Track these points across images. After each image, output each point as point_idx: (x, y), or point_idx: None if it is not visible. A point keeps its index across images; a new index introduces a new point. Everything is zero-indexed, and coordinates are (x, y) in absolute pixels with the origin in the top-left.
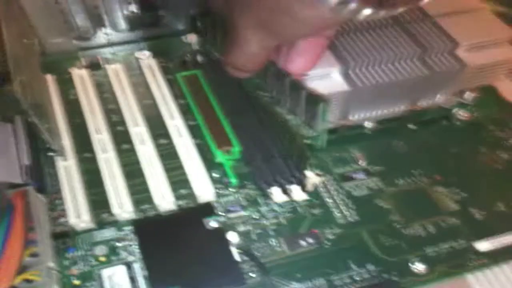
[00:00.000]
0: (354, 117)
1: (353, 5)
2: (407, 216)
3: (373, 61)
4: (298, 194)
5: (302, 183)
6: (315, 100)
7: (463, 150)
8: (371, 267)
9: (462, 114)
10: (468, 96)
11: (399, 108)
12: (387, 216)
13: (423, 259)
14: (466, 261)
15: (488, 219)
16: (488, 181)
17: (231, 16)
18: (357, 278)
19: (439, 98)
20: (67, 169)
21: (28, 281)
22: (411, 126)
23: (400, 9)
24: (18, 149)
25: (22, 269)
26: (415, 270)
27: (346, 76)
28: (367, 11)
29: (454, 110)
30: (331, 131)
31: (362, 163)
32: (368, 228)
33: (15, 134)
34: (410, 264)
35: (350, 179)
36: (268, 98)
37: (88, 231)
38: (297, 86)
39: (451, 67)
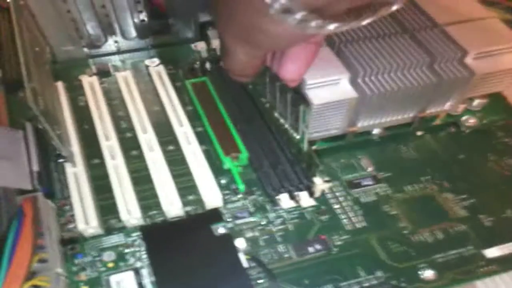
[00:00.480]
0: (363, 124)
1: (316, 22)
2: (416, 222)
3: (382, 69)
4: (306, 200)
5: (310, 190)
6: (297, 103)
7: (471, 157)
8: (379, 273)
9: (470, 121)
10: (477, 103)
11: (407, 115)
12: (395, 222)
13: (432, 266)
14: (475, 267)
15: (497, 225)
16: (497, 187)
17: (218, 28)
18: (366, 285)
19: (448, 106)
20: (76, 175)
21: (36, 287)
22: (419, 133)
23: (366, 21)
24: (29, 155)
25: (30, 275)
26: (424, 277)
27: (355, 84)
28: (331, 27)
29: (463, 117)
30: (339, 138)
31: (370, 169)
32: (376, 234)
33: (26, 140)
34: (418, 271)
35: (358, 185)
36: (268, 103)
37: (97, 237)
38: (285, 90)
39: (459, 75)
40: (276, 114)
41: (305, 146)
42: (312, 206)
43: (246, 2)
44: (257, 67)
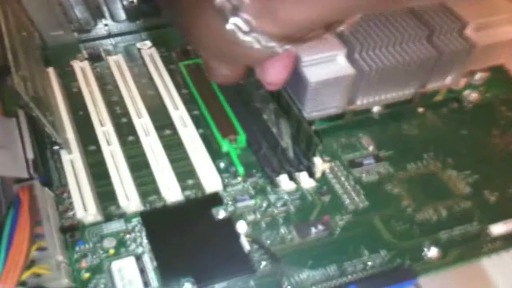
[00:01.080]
0: (362, 101)
1: (280, 46)
2: (419, 200)
3: (379, 43)
4: (306, 181)
5: (310, 170)
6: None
7: (474, 132)
8: (383, 252)
9: (472, 95)
10: (478, 77)
11: (407, 92)
12: (398, 201)
13: (437, 244)
14: (480, 244)
15: (502, 201)
16: (501, 163)
17: (193, 45)
18: (370, 263)
19: (448, 80)
20: (73, 162)
21: (37, 275)
22: (420, 109)
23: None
24: (23, 144)
25: (30, 263)
26: (429, 255)
27: (352, 59)
28: (292, 48)
29: (464, 92)
30: (338, 117)
31: (371, 148)
32: (379, 213)
33: (19, 128)
34: (423, 249)
35: (360, 164)
36: None
37: (96, 224)
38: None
39: (460, 47)
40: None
41: (291, 153)
42: (313, 187)
43: (215, 34)
44: (240, 75)
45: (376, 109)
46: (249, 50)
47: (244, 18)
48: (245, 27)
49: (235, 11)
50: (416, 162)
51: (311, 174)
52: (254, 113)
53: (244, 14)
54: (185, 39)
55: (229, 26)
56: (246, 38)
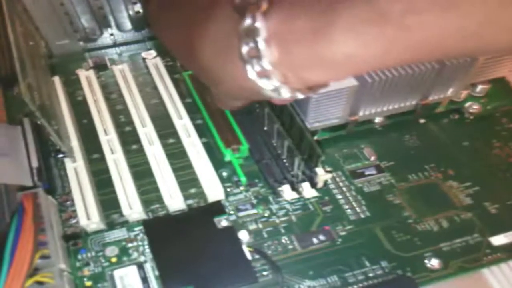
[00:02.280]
0: (364, 112)
1: (290, 92)
2: (420, 211)
3: None
4: (308, 191)
5: (312, 181)
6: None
7: (476, 144)
8: (384, 263)
9: (474, 107)
10: (480, 89)
11: (409, 103)
12: (399, 211)
13: (438, 255)
14: (481, 256)
15: (503, 213)
16: (502, 174)
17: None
18: (371, 275)
19: (450, 92)
20: (76, 170)
21: (39, 283)
22: (422, 120)
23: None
24: (28, 152)
25: (33, 271)
26: (430, 266)
27: None
28: (300, 96)
29: (466, 104)
30: (340, 127)
31: (373, 158)
32: (380, 224)
33: (24, 136)
34: (424, 260)
35: (361, 175)
36: None
37: (99, 232)
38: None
39: (462, 60)
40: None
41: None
42: (315, 197)
43: (234, 78)
44: (246, 104)
45: (378, 120)
46: (267, 94)
47: (268, 69)
48: (268, 76)
49: (259, 59)
50: (418, 173)
51: (313, 184)
52: (257, 123)
53: (267, 64)
54: (180, 61)
55: (251, 74)
56: (268, 87)
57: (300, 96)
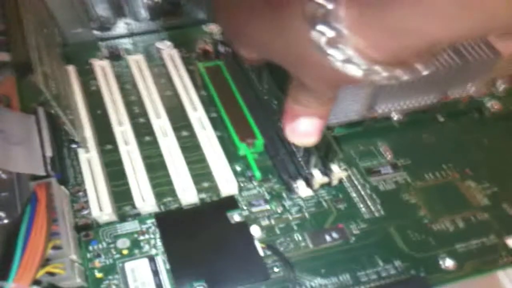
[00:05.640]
0: (382, 109)
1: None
2: (436, 211)
3: None
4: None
5: (329, 177)
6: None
7: (495, 143)
8: (398, 263)
9: (494, 106)
10: (502, 87)
11: (428, 100)
12: (414, 211)
13: (452, 256)
14: (497, 257)
15: None
16: None
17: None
18: (384, 274)
19: (471, 89)
20: (90, 161)
21: (50, 274)
22: (440, 118)
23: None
24: (41, 141)
25: (45, 261)
26: (444, 267)
27: None
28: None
29: (486, 101)
30: (357, 124)
31: (390, 156)
32: (395, 223)
33: (38, 125)
34: (438, 260)
35: (377, 173)
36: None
37: (111, 224)
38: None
39: (485, 56)
40: None
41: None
42: (330, 195)
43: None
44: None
45: (396, 116)
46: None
47: (337, 29)
48: (337, 41)
49: (327, 19)
50: (434, 172)
51: (328, 182)
52: (272, 118)
53: (337, 24)
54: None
55: (315, 35)
56: (339, 57)
57: (380, 73)
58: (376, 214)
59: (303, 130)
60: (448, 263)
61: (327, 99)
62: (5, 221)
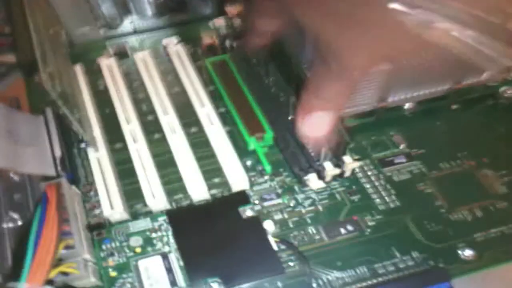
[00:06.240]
0: (394, 98)
1: None
2: (453, 200)
3: None
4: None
5: (341, 168)
6: None
7: (511, 130)
8: (415, 254)
9: (509, 92)
10: None
11: (441, 88)
12: (431, 201)
13: (472, 245)
14: None
15: None
16: None
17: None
18: (401, 266)
19: (485, 76)
20: (99, 160)
21: (64, 273)
22: (454, 106)
23: None
24: (51, 141)
25: (58, 261)
26: (463, 257)
27: None
28: None
29: (501, 88)
30: (369, 114)
31: (403, 146)
32: (411, 214)
33: (47, 126)
34: (457, 251)
35: (391, 163)
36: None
37: (123, 222)
38: None
39: (499, 41)
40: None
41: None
42: (343, 187)
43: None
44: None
45: (408, 106)
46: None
47: None
48: None
49: None
50: (450, 161)
51: (341, 173)
52: (281, 112)
53: None
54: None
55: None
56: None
57: None
58: (391, 205)
59: (319, 123)
60: (467, 253)
61: (347, 89)
62: (19, 222)
